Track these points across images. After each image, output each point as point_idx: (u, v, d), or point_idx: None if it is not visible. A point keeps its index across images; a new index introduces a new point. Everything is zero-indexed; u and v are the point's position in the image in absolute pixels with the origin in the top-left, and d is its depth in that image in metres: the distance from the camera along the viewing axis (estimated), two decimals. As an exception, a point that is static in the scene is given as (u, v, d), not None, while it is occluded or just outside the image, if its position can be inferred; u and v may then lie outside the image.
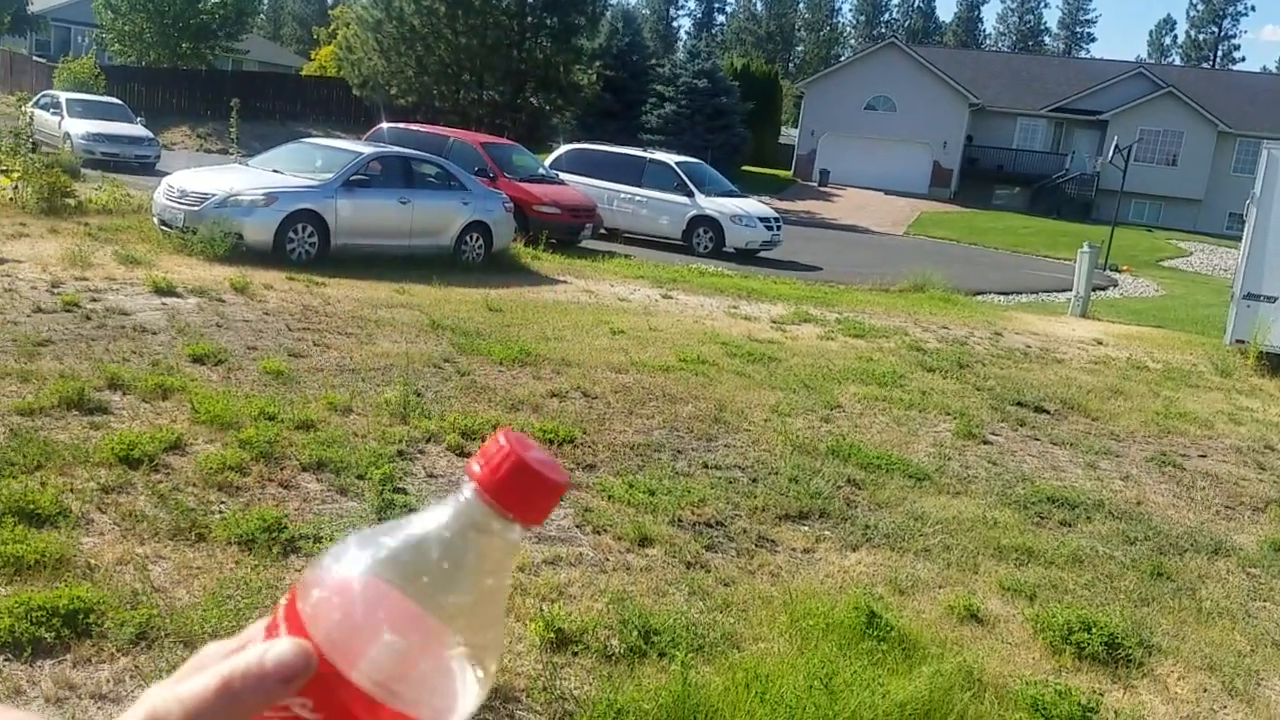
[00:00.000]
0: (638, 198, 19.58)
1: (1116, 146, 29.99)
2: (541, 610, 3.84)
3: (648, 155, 20.78)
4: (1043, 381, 9.56)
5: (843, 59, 63.00)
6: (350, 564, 0.44)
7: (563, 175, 18.42)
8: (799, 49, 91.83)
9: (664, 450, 6.05)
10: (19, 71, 35.96)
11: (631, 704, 3.20)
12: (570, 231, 16.56)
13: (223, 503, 4.47)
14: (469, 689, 0.44)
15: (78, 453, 4.72)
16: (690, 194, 19.42)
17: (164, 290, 8.49)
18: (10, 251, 9.44)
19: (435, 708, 0.43)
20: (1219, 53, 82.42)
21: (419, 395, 6.36)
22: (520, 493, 0.42)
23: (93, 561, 3.77)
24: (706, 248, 19.12)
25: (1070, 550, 5.33)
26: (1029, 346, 11.71)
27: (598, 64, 32.98)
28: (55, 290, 8.03)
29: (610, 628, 3.80)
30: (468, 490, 0.43)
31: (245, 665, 0.44)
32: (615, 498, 5.16)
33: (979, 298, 17.73)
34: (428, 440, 5.62)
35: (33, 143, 15.55)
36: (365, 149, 13.09)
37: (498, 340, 8.20)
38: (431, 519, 0.44)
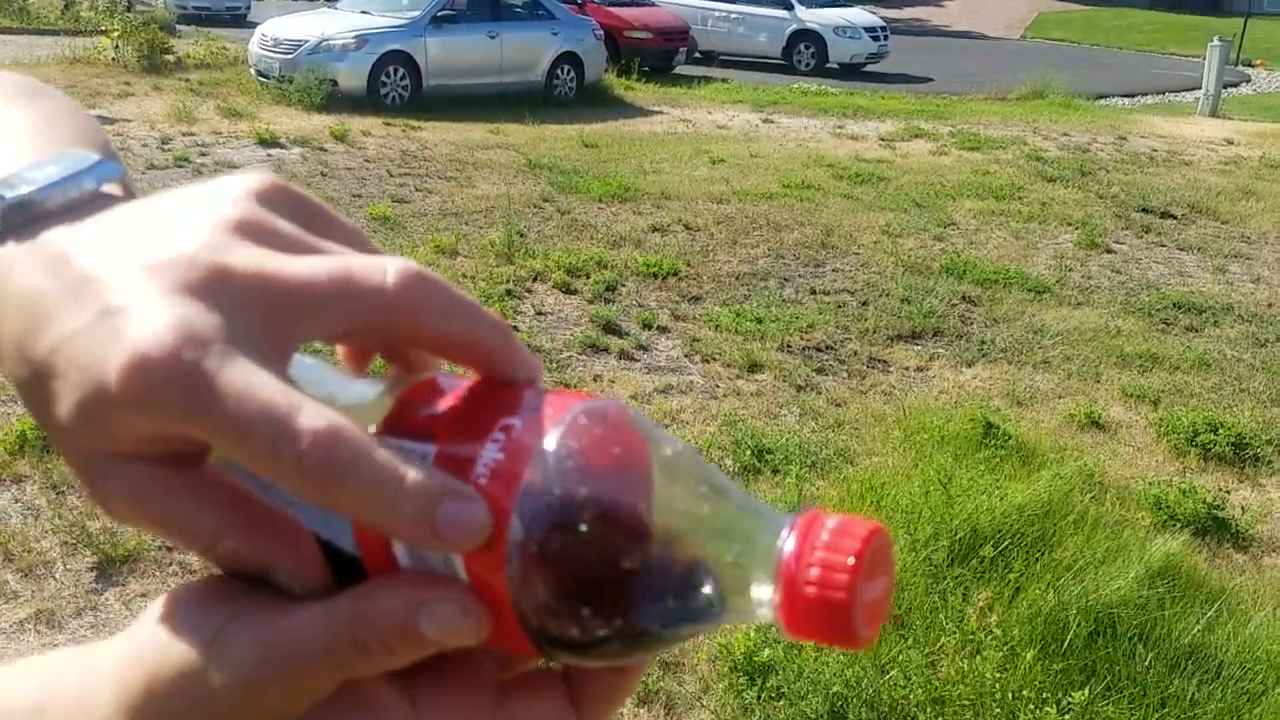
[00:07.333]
0: (733, 15, 18.69)
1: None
2: (656, 434, 3.91)
3: (741, -32, 19.73)
4: (1169, 185, 9.04)
5: None
6: None
7: (652, -4, 17.69)
8: None
9: (770, 278, 5.98)
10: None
11: (748, 518, 3.27)
12: (663, 57, 16.03)
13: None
14: None
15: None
16: (789, 6, 18.42)
17: (268, 142, 8.63)
18: (118, 111, 9.67)
19: None
20: None
21: (522, 235, 6.38)
22: (819, 627, 0.31)
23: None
24: (809, 65, 18.26)
25: (1197, 354, 5.15)
26: (1155, 150, 11.05)
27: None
28: (165, 147, 8.23)
29: (724, 448, 3.86)
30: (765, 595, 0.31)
31: None
32: (723, 327, 5.15)
33: (1102, 101, 16.67)
34: (534, 279, 5.67)
35: (128, 1, 15.68)
36: (450, -17, 12.76)
37: (596, 177, 8.11)
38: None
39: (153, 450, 0.31)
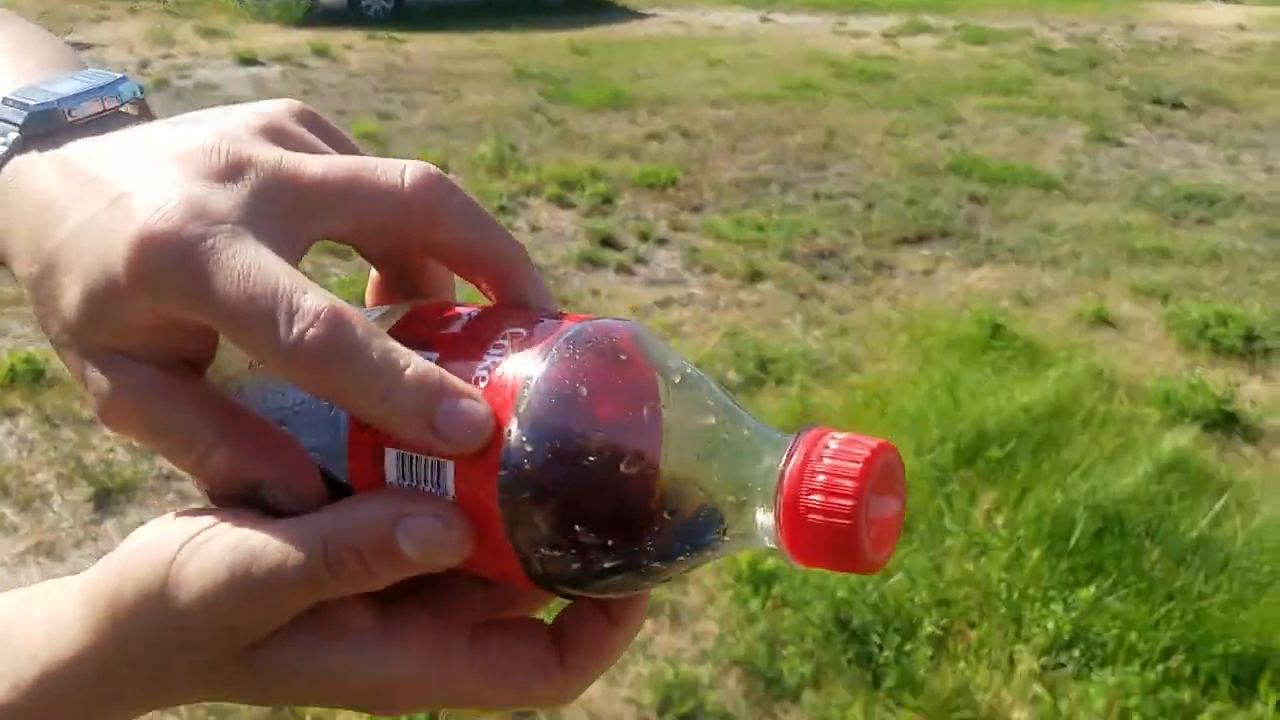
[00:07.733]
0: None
1: None
2: (656, 347, 3.86)
3: None
4: (1181, 75, 8.83)
5: None
6: None
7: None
8: None
9: (771, 184, 5.85)
10: None
11: (752, 428, 3.23)
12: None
13: (337, 267, 4.56)
14: None
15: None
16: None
17: (248, 60, 8.44)
18: (95, 36, 9.45)
19: None
20: None
21: (513, 148, 6.23)
22: (824, 545, 0.29)
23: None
24: (803, -37, 17.74)
25: (1208, 247, 5.06)
26: (1165, 38, 10.79)
27: None
28: (144, 70, 8.04)
29: (726, 360, 3.80)
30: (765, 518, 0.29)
31: None
32: (723, 236, 5.05)
33: (1108, -11, 16.23)
34: (528, 193, 5.55)
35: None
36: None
37: (587, 84, 7.91)
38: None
39: (158, 346, 0.30)
